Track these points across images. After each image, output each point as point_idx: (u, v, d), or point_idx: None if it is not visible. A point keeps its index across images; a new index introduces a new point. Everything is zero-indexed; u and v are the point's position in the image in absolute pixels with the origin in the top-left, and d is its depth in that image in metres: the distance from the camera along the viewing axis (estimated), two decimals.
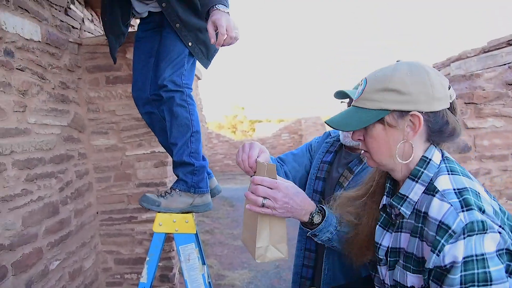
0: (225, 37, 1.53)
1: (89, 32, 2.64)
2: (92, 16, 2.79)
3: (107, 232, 2.55)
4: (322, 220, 1.12)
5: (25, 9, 1.80)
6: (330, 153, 1.54)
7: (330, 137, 1.62)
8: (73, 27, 2.35)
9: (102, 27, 2.10)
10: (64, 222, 2.08)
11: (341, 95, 1.38)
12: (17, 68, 1.72)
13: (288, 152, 1.68)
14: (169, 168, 2.51)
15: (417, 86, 0.87)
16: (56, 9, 2.12)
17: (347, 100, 1.43)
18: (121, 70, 2.36)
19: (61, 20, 2.17)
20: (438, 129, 0.90)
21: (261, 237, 1.10)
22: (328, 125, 0.97)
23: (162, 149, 2.40)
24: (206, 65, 1.88)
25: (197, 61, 1.88)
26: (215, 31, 1.54)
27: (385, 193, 1.01)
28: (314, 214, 1.12)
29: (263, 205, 1.06)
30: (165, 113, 1.78)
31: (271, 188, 1.06)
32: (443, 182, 0.84)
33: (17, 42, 1.72)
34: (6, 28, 1.65)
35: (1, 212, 1.58)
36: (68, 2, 2.28)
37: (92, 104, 2.40)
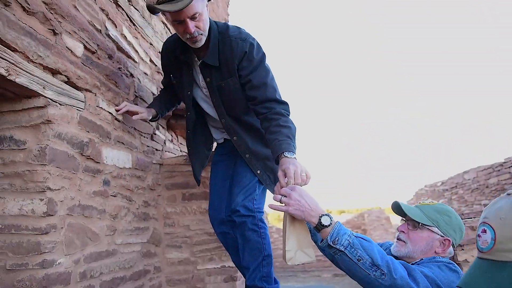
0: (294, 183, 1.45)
1: (168, 152, 2.95)
2: (171, 136, 3.13)
3: None
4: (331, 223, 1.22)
5: (122, 142, 2.09)
6: None
7: None
8: (156, 149, 2.65)
9: (187, 154, 2.34)
10: None
11: (397, 208, 1.49)
12: (111, 195, 1.95)
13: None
14: (238, 283, 2.52)
15: None
16: (144, 136, 2.43)
17: (406, 217, 1.49)
18: (196, 188, 2.56)
19: (147, 146, 2.47)
20: None
21: (289, 242, 1.32)
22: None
23: (232, 264, 2.45)
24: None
25: None
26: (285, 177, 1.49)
27: None
28: (323, 216, 1.22)
29: (280, 202, 1.31)
30: (238, 237, 1.87)
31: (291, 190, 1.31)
32: None
33: (113, 172, 1.98)
34: (106, 161, 1.91)
35: None
36: (154, 129, 2.61)
37: (169, 219, 2.58)
